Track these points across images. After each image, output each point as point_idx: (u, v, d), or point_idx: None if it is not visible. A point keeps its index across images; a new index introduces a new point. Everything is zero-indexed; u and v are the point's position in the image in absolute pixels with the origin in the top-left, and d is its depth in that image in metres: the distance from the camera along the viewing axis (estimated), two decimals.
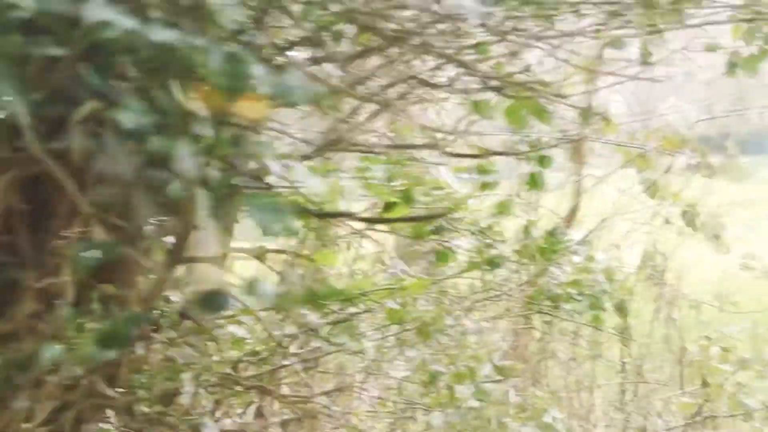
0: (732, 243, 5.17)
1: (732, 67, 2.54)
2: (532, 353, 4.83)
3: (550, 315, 3.17)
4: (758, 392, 4.76)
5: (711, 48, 2.55)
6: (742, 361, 4.60)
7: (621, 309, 2.88)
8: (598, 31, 2.36)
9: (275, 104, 1.03)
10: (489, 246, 2.47)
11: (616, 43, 2.26)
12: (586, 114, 2.39)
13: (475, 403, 2.35)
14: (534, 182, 2.49)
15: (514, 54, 2.30)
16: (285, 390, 2.54)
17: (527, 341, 4.73)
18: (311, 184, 1.18)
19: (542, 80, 2.45)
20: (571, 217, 5.05)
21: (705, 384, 4.53)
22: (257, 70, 0.95)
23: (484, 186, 2.47)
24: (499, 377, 2.52)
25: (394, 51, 2.12)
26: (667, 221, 4.91)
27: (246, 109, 0.99)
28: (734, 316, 5.15)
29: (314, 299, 1.68)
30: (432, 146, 2.24)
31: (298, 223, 2.12)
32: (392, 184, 2.58)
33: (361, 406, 2.81)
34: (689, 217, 4.80)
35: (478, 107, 2.32)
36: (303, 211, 1.90)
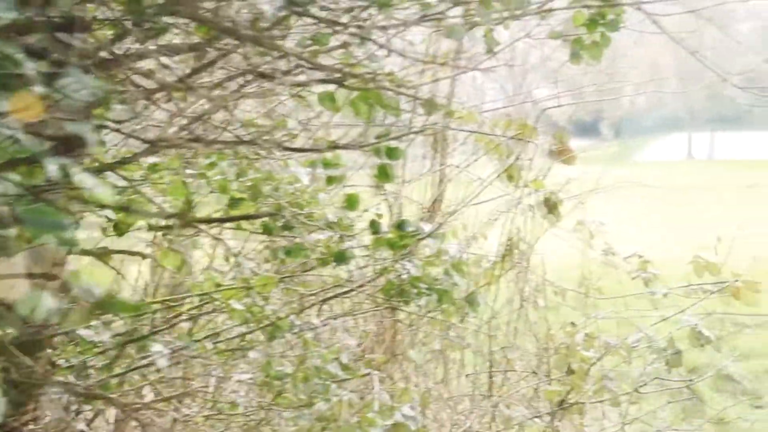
0: (595, 228, 5.33)
1: (575, 54, 2.59)
2: (399, 345, 4.89)
3: (400, 309, 3.19)
4: (623, 377, 4.93)
5: (555, 35, 2.60)
6: (607, 347, 4.75)
7: (471, 302, 2.91)
8: (438, 20, 2.39)
9: (49, 104, 1.00)
10: (339, 240, 2.47)
11: (454, 33, 2.27)
12: (430, 105, 2.41)
13: (323, 404, 2.36)
14: (383, 174, 2.50)
15: (355, 45, 2.30)
16: (129, 397, 2.50)
17: (393, 334, 4.78)
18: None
19: (389, 71, 2.46)
20: (434, 207, 5.13)
21: (570, 371, 4.65)
22: (28, 69, 0.92)
23: (330, 180, 2.47)
24: (347, 376, 2.53)
25: (229, 43, 2.10)
26: (529, 209, 5.03)
27: (20, 109, 0.95)
28: (599, 301, 5.30)
29: (102, 311, 1.63)
30: (271, 141, 2.22)
31: (80, 233, 2.07)
32: (240, 180, 2.57)
33: (207, 411, 2.78)
34: (550, 204, 4.93)
35: (321, 100, 2.32)
36: (134, 213, 1.86)
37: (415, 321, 4.76)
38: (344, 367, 2.50)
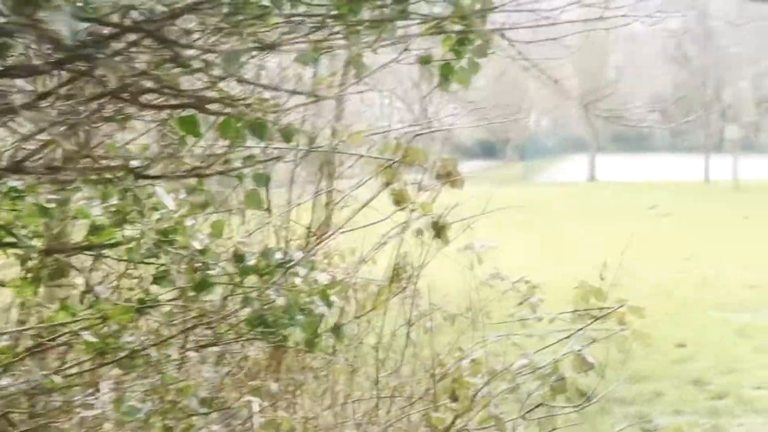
0: (483, 252, 5.39)
1: (444, 79, 2.62)
2: (286, 372, 4.86)
3: (261, 340, 3.16)
4: (509, 402, 4.97)
5: (425, 60, 2.62)
6: (493, 373, 4.79)
7: (338, 333, 2.90)
8: (309, 41, 2.39)
9: None
10: (203, 268, 2.44)
11: (305, 58, 2.28)
12: (289, 132, 2.40)
13: None
14: (252, 201, 2.48)
15: (218, 68, 2.28)
16: None
17: (278, 361, 4.74)
18: None
19: (257, 96, 2.45)
20: (320, 231, 5.11)
21: (454, 397, 4.68)
22: None
23: (195, 207, 2.44)
24: (205, 410, 2.49)
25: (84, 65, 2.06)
26: (418, 232, 5.05)
27: None
28: (487, 326, 5.35)
29: None
30: (129, 168, 2.18)
31: None
32: (104, 205, 2.52)
33: None
34: (438, 228, 4.96)
35: (181, 124, 2.29)
36: None
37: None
38: (203, 401, 2.47)
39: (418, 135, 4.99)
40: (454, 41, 2.50)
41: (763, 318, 11.86)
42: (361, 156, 4.75)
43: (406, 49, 2.67)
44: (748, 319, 11.79)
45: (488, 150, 54.38)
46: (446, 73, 2.57)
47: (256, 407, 3.26)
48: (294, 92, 2.79)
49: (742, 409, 7.88)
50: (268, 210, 4.45)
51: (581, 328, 4.83)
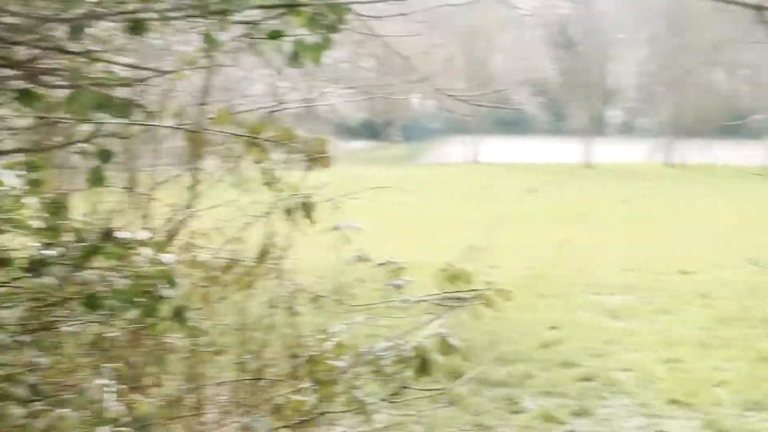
0: (351, 233, 5.39)
1: (295, 56, 2.59)
2: (147, 354, 4.78)
3: (87, 321, 3.09)
4: (370, 384, 5.00)
5: (274, 35, 2.58)
6: (358, 356, 4.80)
7: (179, 316, 2.86)
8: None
9: None
10: (42, 247, 2.37)
11: (137, 30, 2.23)
12: (125, 107, 2.34)
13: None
14: (95, 178, 2.42)
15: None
16: None
17: (136, 342, 4.66)
18: None
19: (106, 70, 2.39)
20: (184, 211, 5.05)
21: (317, 380, 4.68)
22: None
23: (33, 183, 2.37)
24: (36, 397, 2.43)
25: None
26: (286, 213, 5.02)
27: None
28: (353, 310, 5.36)
29: None
30: None
31: None
32: None
33: None
34: (306, 208, 4.94)
35: (20, 98, 2.22)
36: None
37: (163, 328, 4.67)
38: (32, 388, 2.40)
39: (277, 112, 4.94)
40: (307, 16, 2.47)
41: (635, 301, 12.21)
42: (228, 134, 4.67)
43: (254, 24, 2.62)
44: (620, 302, 12.11)
45: (373, 131, 54.53)
46: (299, 49, 2.55)
47: (107, 390, 3.20)
48: (151, 69, 2.74)
49: (610, 391, 8.11)
50: (130, 189, 4.37)
51: (446, 311, 4.87)
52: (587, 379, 8.43)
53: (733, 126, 48.94)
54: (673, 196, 30.11)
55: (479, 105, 8.99)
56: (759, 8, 1.64)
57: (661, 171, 46.70)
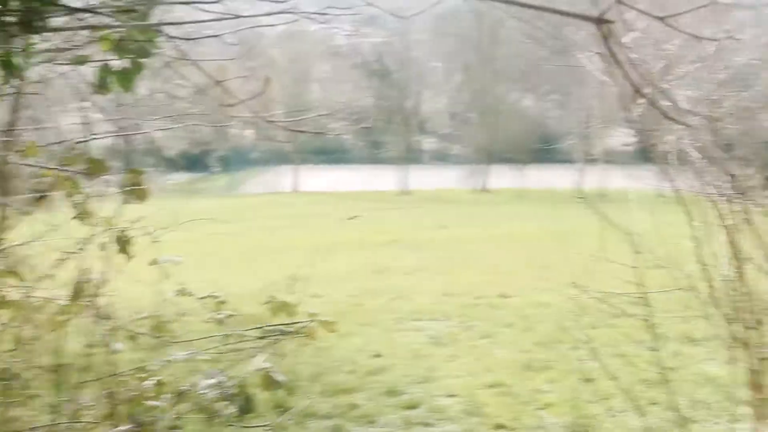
0: (170, 267, 5.27)
1: (102, 82, 2.50)
2: None
3: None
4: (193, 423, 4.89)
5: (79, 60, 2.48)
6: (179, 394, 4.69)
7: None
8: None
9: None
10: None
11: None
12: None
13: None
14: None
15: None
16: None
17: None
18: None
19: None
20: None
21: (137, 422, 4.54)
22: None
23: None
24: None
25: None
26: (101, 247, 4.86)
27: None
28: (175, 345, 5.23)
29: None
30: None
31: None
32: None
33: None
34: (122, 242, 4.81)
35: None
36: None
37: None
38: None
39: (89, 143, 4.80)
40: (113, 41, 2.38)
41: (456, 326, 12.36)
42: (38, 167, 4.50)
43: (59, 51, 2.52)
44: (442, 328, 12.25)
45: (194, 162, 53.90)
46: (104, 75, 2.46)
47: None
48: None
49: (436, 418, 8.17)
50: None
51: (269, 344, 4.81)
52: (412, 406, 8.47)
53: (544, 151, 50.96)
54: (489, 220, 30.96)
55: (297, 133, 8.97)
56: (599, 21, 1.68)
57: (476, 197, 47.92)
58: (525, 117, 55.37)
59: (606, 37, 1.66)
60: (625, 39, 5.67)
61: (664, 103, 1.89)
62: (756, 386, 5.24)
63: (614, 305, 5.94)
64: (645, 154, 5.73)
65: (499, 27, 51.04)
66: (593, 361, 8.18)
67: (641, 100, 5.39)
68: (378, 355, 10.51)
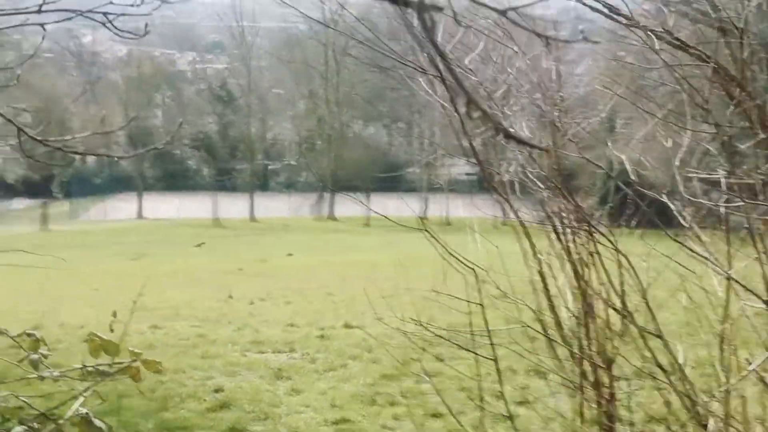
0: None
1: None
2: None
3: None
4: None
5: None
6: None
7: None
8: None
9: None
10: None
11: None
12: None
13: None
14: None
15: None
16: None
17: None
18: None
19: None
20: None
21: None
22: None
23: None
24: None
25: None
26: None
27: None
28: None
29: None
30: None
31: None
32: None
33: None
34: None
35: None
36: None
37: None
38: None
39: None
40: None
41: (299, 358, 11.99)
42: None
43: None
44: (285, 361, 11.86)
45: (34, 188, 52.10)
46: None
47: None
48: None
49: None
50: None
51: (88, 388, 4.39)
52: None
53: (390, 179, 51.24)
54: (335, 249, 30.81)
55: (140, 159, 8.57)
56: (421, 7, 1.43)
57: (323, 225, 47.81)
58: (370, 145, 55.67)
59: (428, 29, 1.42)
60: (466, 60, 5.55)
61: (504, 131, 1.66)
62: (603, 424, 5.12)
63: (460, 336, 5.76)
64: (486, 183, 5.58)
65: (344, 54, 51.27)
66: (439, 396, 7.95)
67: (480, 128, 5.28)
68: (220, 390, 10.04)
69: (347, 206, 50.20)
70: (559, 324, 5.30)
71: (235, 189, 54.67)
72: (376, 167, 51.77)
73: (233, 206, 50.91)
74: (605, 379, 5.11)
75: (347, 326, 14.19)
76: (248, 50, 55.84)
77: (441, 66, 1.57)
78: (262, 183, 56.81)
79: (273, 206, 50.70)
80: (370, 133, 58.78)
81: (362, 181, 50.13)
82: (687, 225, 4.97)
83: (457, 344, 5.67)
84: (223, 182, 56.01)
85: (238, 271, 23.71)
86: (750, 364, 4.53)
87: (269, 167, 60.15)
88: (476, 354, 5.35)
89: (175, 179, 58.09)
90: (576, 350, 5.17)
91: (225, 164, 57.41)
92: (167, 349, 12.30)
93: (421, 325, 5.68)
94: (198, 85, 60.28)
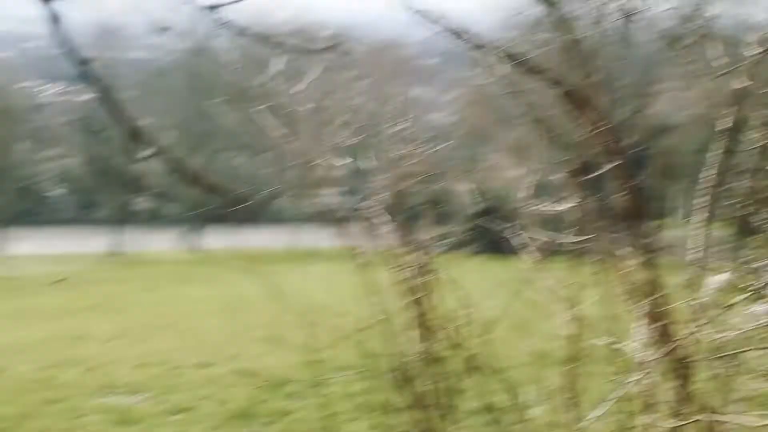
0: None
1: None
2: None
3: None
4: None
5: None
6: None
7: None
8: None
9: None
10: None
11: None
12: None
13: None
14: None
15: None
16: None
17: None
18: None
19: None
20: None
21: None
22: None
23: None
24: None
25: None
26: None
27: None
28: None
29: None
30: None
31: None
32: None
33: None
34: None
35: None
36: None
37: None
38: None
39: None
40: None
41: (148, 400, 11.30)
42: None
43: None
44: (133, 403, 11.15)
45: None
46: None
47: None
48: None
49: None
50: None
51: None
52: None
53: (259, 209, 50.55)
54: (199, 282, 29.97)
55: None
56: None
57: (190, 258, 46.75)
58: (238, 175, 54.88)
59: (57, 22, 1.05)
60: (294, 90, 5.22)
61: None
62: None
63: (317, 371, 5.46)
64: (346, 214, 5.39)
65: (212, 85, 50.57)
66: None
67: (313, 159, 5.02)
68: None
69: (218, 238, 49.27)
70: (400, 361, 4.96)
71: (101, 222, 53.16)
72: (245, 198, 51.05)
73: (98, 240, 49.44)
74: (443, 425, 4.78)
75: (201, 365, 13.48)
76: (115, 81, 54.58)
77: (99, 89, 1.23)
78: (129, 215, 55.35)
79: (140, 239, 49.39)
80: (239, 164, 58.10)
81: (229, 213, 49.29)
82: (533, 256, 4.74)
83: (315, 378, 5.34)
84: (89, 215, 54.37)
85: (97, 306, 22.77)
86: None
87: (137, 199, 58.71)
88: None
89: (35, 213, 56.21)
90: (417, 390, 4.83)
91: (90, 197, 55.83)
92: (6, 394, 11.52)
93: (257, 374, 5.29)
94: (66, 116, 58.60)
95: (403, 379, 4.87)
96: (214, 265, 38.81)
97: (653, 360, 3.90)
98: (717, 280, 3.58)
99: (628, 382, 4.05)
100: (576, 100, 4.42)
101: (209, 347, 15.05)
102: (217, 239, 49.33)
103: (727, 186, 4.51)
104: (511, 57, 4.41)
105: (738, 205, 4.53)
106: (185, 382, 12.25)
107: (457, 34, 4.34)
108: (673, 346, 3.85)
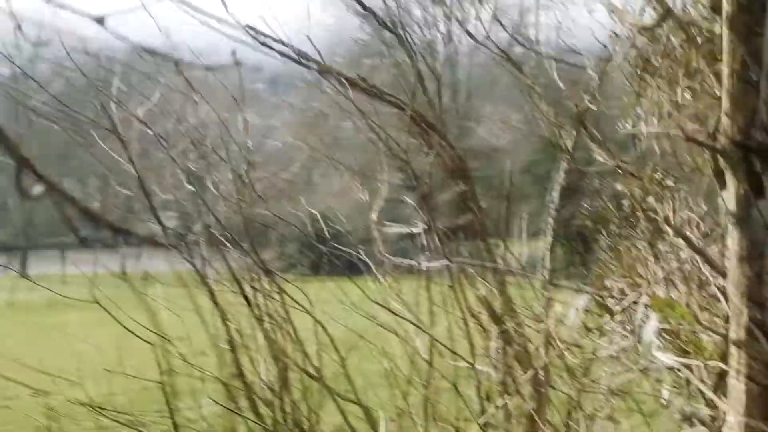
0: None
1: None
2: None
3: None
4: None
5: None
6: None
7: None
8: None
9: None
10: None
11: None
12: None
13: None
14: None
15: None
16: None
17: None
18: None
19: None
20: None
21: None
22: None
23: None
24: None
25: None
26: None
27: None
28: None
29: None
30: None
31: None
32: None
33: None
34: None
35: None
36: None
37: None
38: None
39: None
40: None
41: None
42: None
43: None
44: None
45: None
46: None
47: None
48: None
49: None
50: None
51: None
52: None
53: (90, 234, 49.07)
54: (24, 309, 28.81)
55: None
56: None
57: (14, 284, 44.92)
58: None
59: None
60: (139, 111, 5.07)
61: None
62: None
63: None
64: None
65: (37, 110, 48.92)
66: None
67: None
68: None
69: (44, 263, 47.53)
70: (250, 393, 4.83)
71: None
72: (75, 223, 49.53)
73: None
74: None
75: (37, 393, 12.78)
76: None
77: None
78: None
79: None
80: (69, 188, 56.42)
81: (60, 237, 47.79)
82: (382, 280, 4.70)
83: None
84: None
85: None
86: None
87: None
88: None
89: None
90: (269, 423, 4.71)
91: None
92: None
93: (96, 408, 5.09)
94: None
95: (254, 405, 4.76)
96: (41, 290, 37.44)
97: (507, 381, 3.93)
98: (575, 302, 3.64)
99: (482, 403, 4.07)
100: (419, 123, 4.43)
101: (39, 375, 14.37)
102: (45, 264, 47.63)
103: (569, 205, 4.60)
104: (348, 80, 4.38)
105: (580, 225, 4.64)
106: (17, 412, 11.63)
107: (293, 57, 4.29)
108: (527, 367, 3.89)
